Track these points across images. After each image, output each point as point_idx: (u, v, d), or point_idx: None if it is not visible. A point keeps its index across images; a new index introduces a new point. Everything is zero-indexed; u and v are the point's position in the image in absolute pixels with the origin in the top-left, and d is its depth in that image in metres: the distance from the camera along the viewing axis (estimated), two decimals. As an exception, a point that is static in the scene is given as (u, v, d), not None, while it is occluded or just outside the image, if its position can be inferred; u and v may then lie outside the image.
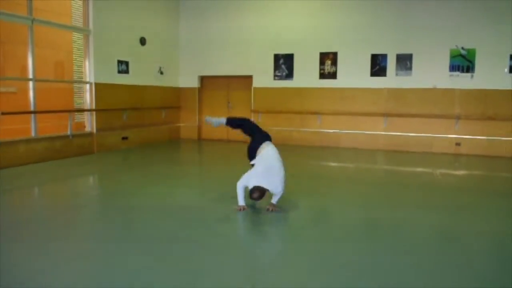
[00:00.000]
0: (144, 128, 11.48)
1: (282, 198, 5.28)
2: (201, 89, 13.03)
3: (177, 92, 12.98)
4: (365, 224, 4.95)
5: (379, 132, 11.08)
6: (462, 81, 10.33)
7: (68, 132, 9.14)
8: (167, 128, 12.56)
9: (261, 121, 12.10)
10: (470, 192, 6.83)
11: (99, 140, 9.96)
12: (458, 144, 10.50)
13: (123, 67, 10.64)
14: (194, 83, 12.93)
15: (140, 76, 11.25)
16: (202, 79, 13.00)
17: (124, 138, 10.75)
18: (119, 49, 10.49)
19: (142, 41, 11.25)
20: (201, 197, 6.23)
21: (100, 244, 4.06)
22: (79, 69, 9.80)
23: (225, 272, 3.42)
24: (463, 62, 10.33)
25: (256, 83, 12.22)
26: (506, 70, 10.09)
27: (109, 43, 10.16)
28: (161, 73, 12.12)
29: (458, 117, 10.46)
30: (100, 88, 9.91)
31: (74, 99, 9.86)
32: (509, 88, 10.02)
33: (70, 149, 9.19)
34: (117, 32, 10.39)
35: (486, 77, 10.17)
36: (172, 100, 12.71)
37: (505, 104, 10.11)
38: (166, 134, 12.50)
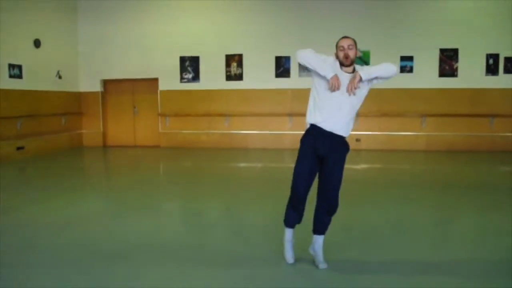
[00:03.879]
0: (42, 136, 10.72)
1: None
2: (104, 94, 12.48)
3: (78, 97, 12.30)
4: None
5: (285, 131, 11.42)
6: (359, 81, 10.98)
7: (-47, 144, 8.28)
8: (68, 136, 11.86)
9: (169, 125, 11.92)
10: (369, 184, 7.28)
11: (-9, 151, 9.13)
12: (358, 140, 11.14)
13: (16, 71, 9.85)
14: (97, 87, 12.33)
15: (36, 81, 10.49)
16: (105, 83, 12.46)
17: (20, 148, 9.96)
18: (10, 51, 9.68)
19: (37, 43, 10.52)
20: (104, 209, 5.97)
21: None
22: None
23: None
24: (359, 63, 10.91)
25: (163, 86, 11.98)
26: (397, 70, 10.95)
27: (-2, 46, 9.36)
28: (60, 77, 11.42)
29: (357, 115, 11.06)
30: (-11, 95, 9.09)
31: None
32: (400, 87, 10.87)
33: (-44, 163, 8.32)
34: (7, 34, 9.59)
35: (380, 77, 10.93)
36: (72, 105, 12.02)
37: (398, 102, 10.97)
38: (67, 142, 11.79)
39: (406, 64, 10.93)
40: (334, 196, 3.50)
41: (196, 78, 11.80)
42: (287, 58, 11.32)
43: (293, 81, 11.33)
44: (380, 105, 10.95)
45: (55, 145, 11.21)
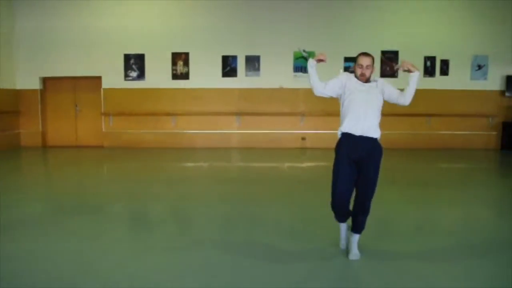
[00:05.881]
0: (-25, 136, 10.13)
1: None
2: (43, 92, 11.94)
3: (15, 95, 11.68)
4: (224, 219, 5.07)
5: (232, 130, 11.43)
6: (305, 81, 11.13)
7: None
8: (4, 136, 11.24)
9: (113, 125, 11.61)
10: (313, 183, 7.42)
11: None
12: (303, 138, 11.36)
13: None
14: (35, 85, 11.78)
15: (-33, 77, 9.90)
16: (45, 80, 11.92)
17: (-50, 149, 9.36)
18: None
19: (-32, 38, 9.92)
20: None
21: None
22: None
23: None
24: (305, 64, 11.17)
25: (106, 84, 11.63)
26: (341, 70, 11.25)
27: None
28: (-6, 74, 10.83)
29: (303, 114, 11.32)
30: None
31: None
32: (344, 87, 11.17)
33: None
34: None
35: (325, 77, 11.20)
36: (8, 104, 11.40)
37: (341, 101, 11.26)
38: (3, 142, 11.15)
39: (350, 65, 11.25)
40: (367, 200, 3.65)
41: (141, 76, 11.56)
42: (234, 58, 11.34)
43: (240, 81, 11.37)
44: (324, 104, 11.11)
45: (-10, 145, 10.61)
